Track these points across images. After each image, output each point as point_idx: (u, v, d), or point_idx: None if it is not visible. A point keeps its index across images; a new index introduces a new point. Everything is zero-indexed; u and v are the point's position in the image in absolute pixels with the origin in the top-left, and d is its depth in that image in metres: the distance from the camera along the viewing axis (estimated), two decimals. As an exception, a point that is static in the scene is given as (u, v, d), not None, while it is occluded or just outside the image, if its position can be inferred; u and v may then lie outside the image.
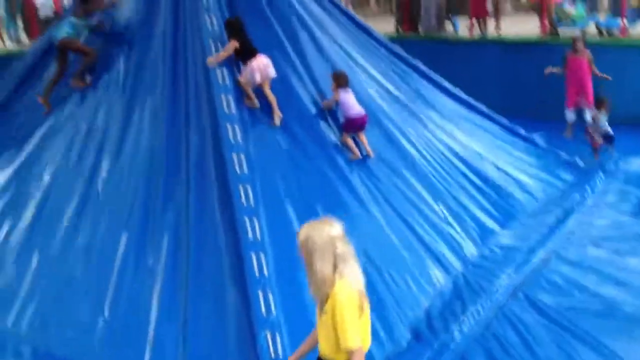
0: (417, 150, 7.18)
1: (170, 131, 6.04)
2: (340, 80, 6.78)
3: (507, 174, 7.82)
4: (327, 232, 3.29)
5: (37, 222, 6.16)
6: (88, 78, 7.06)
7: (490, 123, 8.78)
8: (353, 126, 6.74)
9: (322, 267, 3.25)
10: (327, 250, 3.26)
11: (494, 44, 12.33)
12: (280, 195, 5.77)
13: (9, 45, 14.28)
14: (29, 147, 6.89)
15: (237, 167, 5.60)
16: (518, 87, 11.44)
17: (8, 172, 6.80)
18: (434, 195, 6.82)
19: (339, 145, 6.58)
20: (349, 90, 6.78)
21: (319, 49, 7.16)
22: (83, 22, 7.22)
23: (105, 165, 6.20)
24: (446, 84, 8.71)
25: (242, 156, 5.70)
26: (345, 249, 3.31)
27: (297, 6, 7.39)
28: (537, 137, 9.16)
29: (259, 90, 6.32)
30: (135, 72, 6.70)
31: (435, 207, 6.70)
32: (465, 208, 6.93)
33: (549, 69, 10.15)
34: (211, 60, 6.27)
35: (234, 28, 6.37)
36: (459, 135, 7.97)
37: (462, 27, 13.37)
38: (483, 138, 8.32)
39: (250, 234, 5.21)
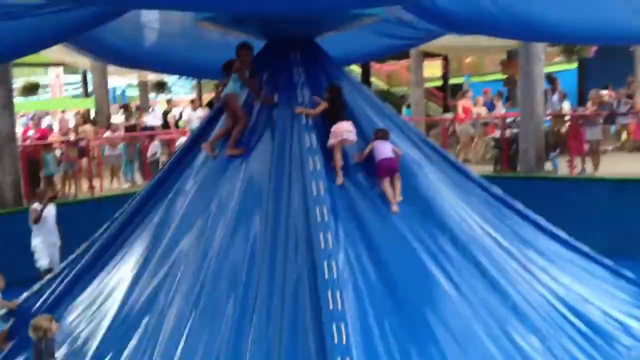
0: (518, 293, 6.99)
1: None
2: (379, 134, 6.95)
3: (613, 318, 7.44)
4: None
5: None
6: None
7: (594, 265, 8.47)
8: (384, 168, 6.75)
9: None
10: None
11: (597, 182, 12.12)
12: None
13: (125, 186, 15.29)
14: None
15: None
16: (624, 227, 11.08)
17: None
18: (538, 339, 6.56)
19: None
20: (388, 142, 6.90)
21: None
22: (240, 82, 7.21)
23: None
24: (546, 224, 8.57)
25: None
26: None
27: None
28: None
29: None
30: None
31: (540, 351, 6.43)
32: (569, 353, 6.61)
33: None
34: (300, 110, 7.00)
35: (330, 92, 7.01)
36: (561, 277, 7.71)
37: (562, 166, 13.26)
38: (587, 280, 8.01)
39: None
